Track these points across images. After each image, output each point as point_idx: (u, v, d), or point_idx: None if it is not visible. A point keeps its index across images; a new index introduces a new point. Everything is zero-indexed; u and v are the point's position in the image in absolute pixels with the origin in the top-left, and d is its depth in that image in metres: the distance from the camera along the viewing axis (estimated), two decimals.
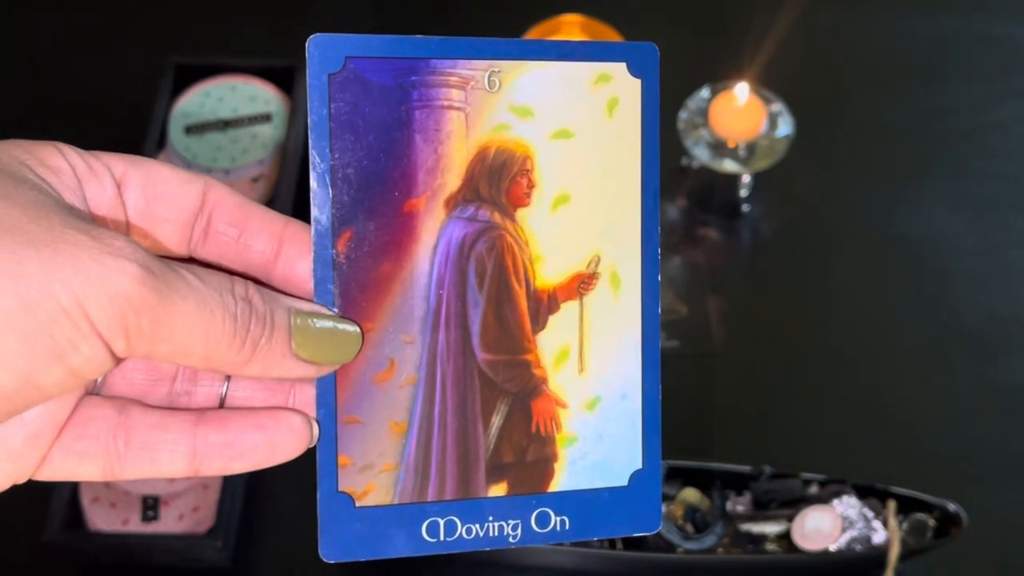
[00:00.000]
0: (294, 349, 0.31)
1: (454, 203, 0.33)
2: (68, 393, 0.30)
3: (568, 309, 0.33)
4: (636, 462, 0.34)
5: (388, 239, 0.32)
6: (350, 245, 0.32)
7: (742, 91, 0.89)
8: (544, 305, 0.33)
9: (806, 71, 1.02)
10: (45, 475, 0.31)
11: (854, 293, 0.89)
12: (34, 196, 0.28)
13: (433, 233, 0.32)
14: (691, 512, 0.74)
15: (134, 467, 0.31)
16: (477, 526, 0.34)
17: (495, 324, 0.33)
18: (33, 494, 0.76)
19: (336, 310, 0.32)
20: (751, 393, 0.84)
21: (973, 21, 1.06)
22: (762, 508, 0.73)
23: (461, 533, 0.34)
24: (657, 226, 0.35)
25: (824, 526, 0.71)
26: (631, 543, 0.73)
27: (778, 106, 0.91)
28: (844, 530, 0.71)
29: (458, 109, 0.32)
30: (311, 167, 0.32)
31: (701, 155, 0.90)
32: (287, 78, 0.94)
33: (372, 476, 0.33)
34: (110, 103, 1.01)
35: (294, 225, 0.32)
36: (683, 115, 0.91)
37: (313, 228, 0.32)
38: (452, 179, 0.32)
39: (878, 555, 0.71)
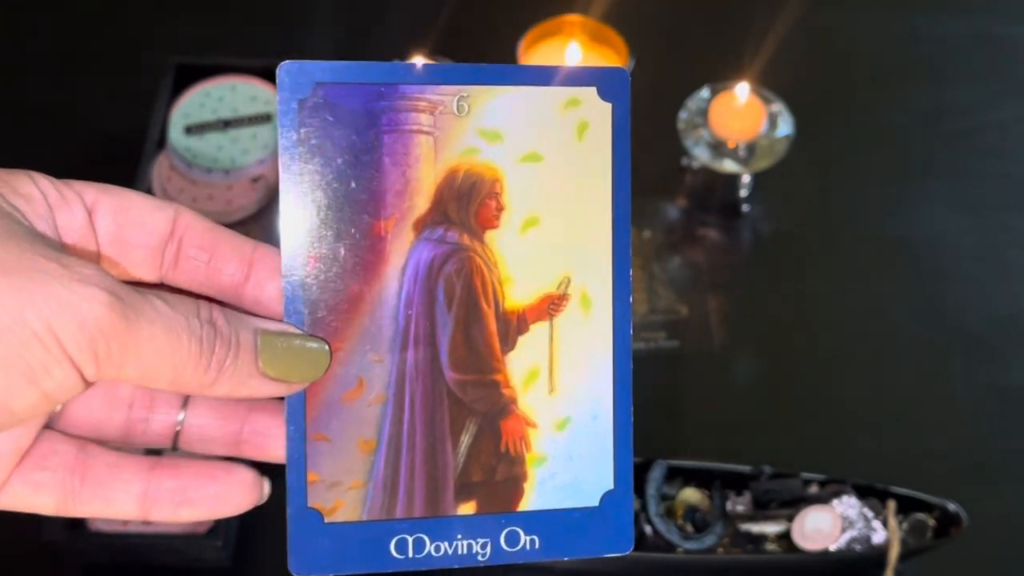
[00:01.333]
0: (261, 367, 0.31)
1: (423, 225, 0.33)
2: (36, 418, 0.30)
3: (538, 330, 0.34)
4: (607, 483, 0.34)
5: (357, 260, 0.33)
6: (319, 266, 0.33)
7: (742, 91, 0.89)
8: (513, 326, 0.34)
9: (806, 71, 1.02)
10: (1, 502, 0.31)
11: (854, 293, 0.89)
12: (5, 224, 0.28)
13: (402, 254, 0.33)
14: (691, 512, 0.74)
15: (88, 505, 0.32)
16: (446, 544, 0.34)
17: (464, 344, 0.33)
18: None
19: (305, 329, 0.32)
20: (751, 393, 0.85)
21: (973, 21, 1.06)
22: (762, 508, 0.73)
23: (429, 550, 0.34)
24: (628, 248, 0.34)
25: (824, 526, 0.71)
26: None
27: (778, 106, 0.91)
28: (844, 530, 0.71)
29: (427, 133, 0.33)
30: (281, 190, 0.33)
31: (701, 155, 0.90)
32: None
33: (341, 493, 0.34)
34: (111, 103, 1.01)
35: (264, 248, 0.33)
36: (683, 115, 0.92)
37: (282, 250, 0.33)
38: (421, 202, 0.33)
39: (878, 555, 0.71)
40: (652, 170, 0.96)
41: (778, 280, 0.91)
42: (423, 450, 0.33)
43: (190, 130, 0.91)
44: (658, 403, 0.84)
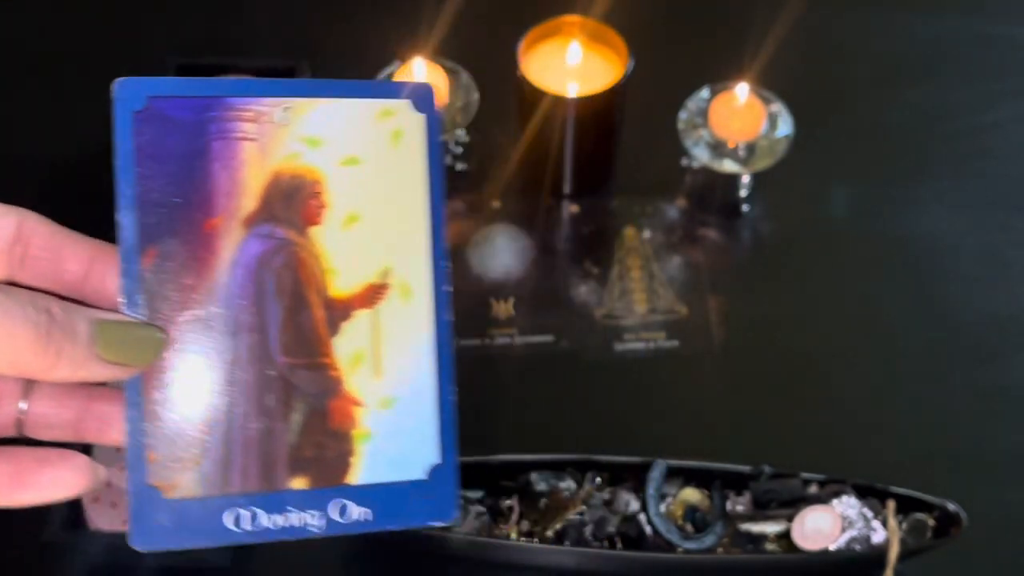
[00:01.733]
0: (97, 352, 0.33)
1: (252, 223, 0.36)
2: None
3: (361, 317, 0.37)
4: (434, 457, 0.38)
5: (190, 255, 0.36)
6: (155, 261, 0.36)
7: (742, 92, 0.89)
8: (338, 313, 0.36)
9: (806, 72, 1.02)
10: None
11: (853, 293, 0.90)
12: None
13: (232, 249, 0.36)
14: (691, 512, 0.74)
15: None
16: (280, 517, 0.36)
17: (292, 331, 0.36)
18: None
19: (143, 318, 0.35)
20: (751, 393, 0.85)
21: (972, 21, 1.06)
22: (762, 508, 0.74)
23: (265, 523, 0.36)
24: (444, 242, 0.37)
25: (824, 526, 0.71)
26: (631, 543, 0.73)
27: (777, 106, 0.91)
28: (844, 530, 0.71)
29: (252, 140, 0.36)
30: (117, 193, 0.36)
31: (701, 155, 0.91)
32: (288, 78, 0.94)
33: (179, 471, 0.36)
34: (111, 103, 1.01)
35: (104, 246, 0.36)
36: (683, 115, 0.92)
37: (120, 247, 0.36)
38: (249, 201, 0.36)
39: (878, 555, 0.71)
40: (652, 170, 0.96)
41: (778, 280, 0.91)
42: (256, 429, 0.36)
43: None
44: (658, 403, 0.84)
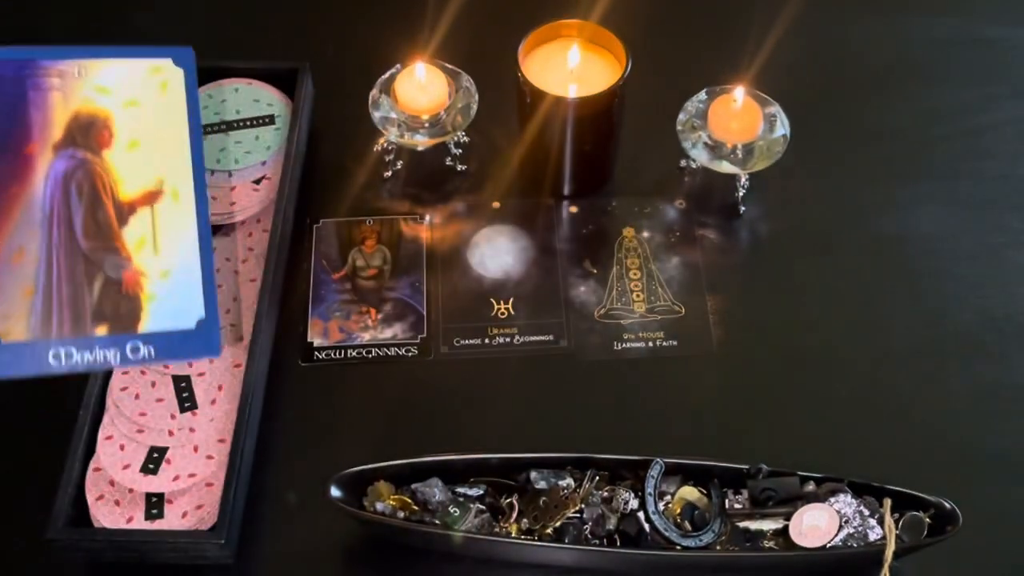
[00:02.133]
0: None
1: (59, 148, 0.48)
2: None
3: (144, 213, 0.50)
4: (200, 312, 0.51)
5: (14, 172, 0.48)
6: None
7: (739, 94, 0.90)
8: (126, 210, 0.50)
9: (803, 74, 1.03)
10: None
11: (851, 293, 0.90)
12: None
13: (45, 167, 0.48)
14: (689, 509, 0.74)
15: None
16: (88, 354, 0.49)
17: (92, 223, 0.49)
18: (38, 492, 0.77)
19: None
20: (749, 392, 0.85)
21: (968, 23, 1.07)
22: (759, 506, 0.74)
23: (76, 358, 0.49)
24: (202, 161, 0.52)
25: (821, 523, 0.72)
26: (630, 541, 0.73)
27: (775, 108, 0.92)
28: (840, 527, 0.72)
29: (58, 90, 0.48)
30: None
31: (699, 156, 0.91)
32: (290, 81, 0.95)
33: (12, 323, 0.47)
34: None
35: None
36: (682, 117, 0.92)
37: None
38: (57, 132, 0.49)
39: (874, 552, 0.71)
40: (651, 171, 0.97)
41: (775, 280, 0.91)
42: (68, 293, 0.48)
43: None
44: (657, 402, 0.85)
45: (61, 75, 0.49)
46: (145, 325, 0.51)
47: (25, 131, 0.49)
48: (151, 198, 0.51)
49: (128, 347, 0.51)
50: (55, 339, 0.49)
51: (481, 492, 0.76)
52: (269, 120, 0.93)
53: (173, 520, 0.76)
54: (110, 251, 0.50)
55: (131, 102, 0.51)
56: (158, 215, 0.51)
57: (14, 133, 0.48)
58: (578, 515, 0.74)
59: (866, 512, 0.73)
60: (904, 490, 0.74)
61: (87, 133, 0.50)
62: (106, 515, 0.76)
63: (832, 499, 0.73)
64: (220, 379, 0.82)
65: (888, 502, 0.73)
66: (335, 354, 0.87)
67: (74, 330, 0.49)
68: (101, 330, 0.50)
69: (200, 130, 0.52)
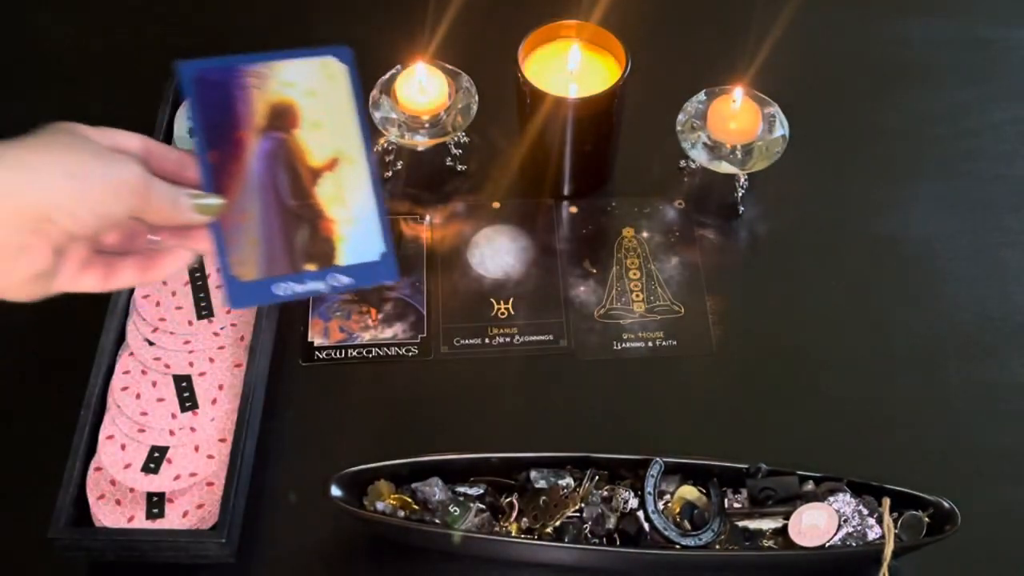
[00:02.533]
0: (192, 208, 0.58)
1: (262, 131, 0.62)
2: (105, 230, 0.56)
3: (329, 176, 0.63)
4: (381, 247, 0.63)
5: (234, 153, 0.62)
6: (217, 157, 0.61)
7: (738, 94, 0.90)
8: (316, 175, 0.63)
9: (801, 75, 1.03)
10: (66, 287, 0.57)
11: (849, 293, 0.90)
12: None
13: (254, 147, 0.62)
14: (689, 509, 0.74)
15: (112, 281, 0.59)
16: (302, 286, 0.62)
17: (292, 186, 0.62)
18: (39, 492, 0.77)
19: (212, 190, 0.60)
20: (748, 391, 0.85)
21: (965, 24, 1.07)
22: (759, 505, 0.74)
23: (296, 290, 0.62)
24: (368, 132, 0.64)
25: (820, 523, 0.72)
26: (629, 540, 0.73)
27: (773, 109, 0.92)
28: (840, 527, 0.72)
29: (255, 87, 0.63)
30: (191, 119, 0.61)
31: (699, 157, 0.91)
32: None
33: (245, 266, 0.61)
34: (115, 105, 1.01)
35: (187, 155, 0.60)
36: (681, 118, 0.93)
37: (197, 151, 0.61)
38: (259, 120, 0.62)
39: (873, 551, 0.72)
40: (650, 172, 0.97)
41: (774, 280, 0.91)
42: (282, 241, 0.62)
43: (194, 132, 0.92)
44: (656, 402, 0.85)
45: (256, 75, 0.63)
46: (341, 260, 0.63)
47: (236, 121, 0.62)
48: (333, 164, 0.64)
49: (329, 277, 0.63)
50: (277, 276, 0.62)
51: (481, 491, 0.76)
52: None
53: (174, 519, 0.76)
54: (309, 207, 0.62)
55: (309, 92, 0.64)
56: (341, 177, 0.63)
57: (229, 123, 0.62)
58: (578, 514, 0.74)
59: (865, 511, 0.73)
60: (903, 489, 0.74)
61: (280, 118, 0.63)
62: (107, 514, 0.76)
63: (831, 498, 0.73)
64: (221, 379, 0.82)
65: (887, 501, 0.73)
66: (336, 354, 0.87)
67: (290, 267, 0.62)
68: (310, 266, 0.62)
69: (364, 109, 0.64)
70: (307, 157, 0.63)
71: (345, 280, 0.63)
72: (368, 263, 0.63)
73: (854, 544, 0.72)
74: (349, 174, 0.63)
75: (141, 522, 0.76)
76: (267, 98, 0.63)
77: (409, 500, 0.75)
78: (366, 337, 0.87)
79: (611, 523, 0.74)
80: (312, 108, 0.63)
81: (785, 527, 0.73)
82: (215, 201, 0.59)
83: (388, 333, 0.88)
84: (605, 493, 0.75)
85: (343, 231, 0.63)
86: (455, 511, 0.73)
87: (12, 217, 0.50)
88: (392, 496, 0.75)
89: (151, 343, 0.83)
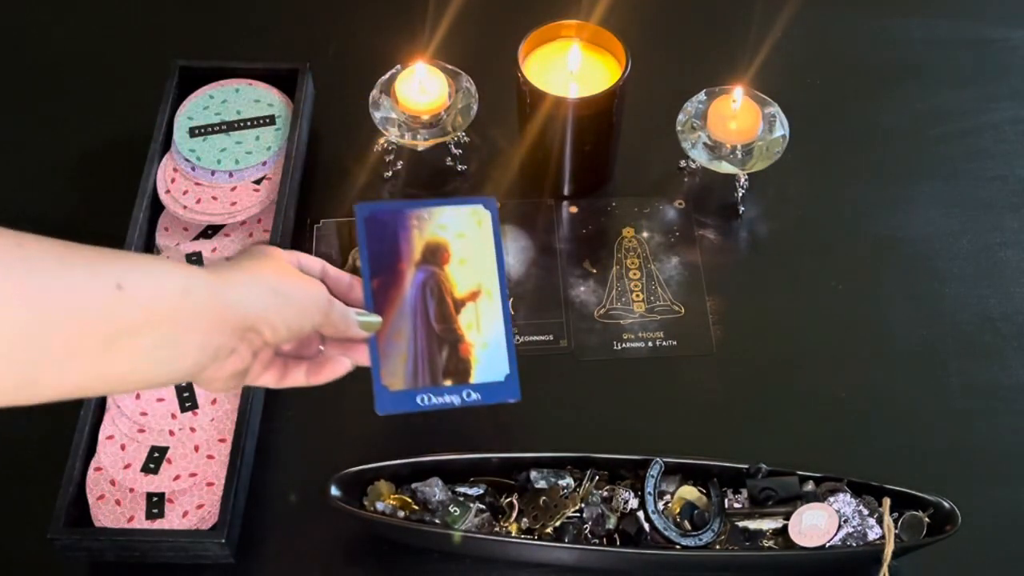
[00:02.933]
0: (358, 324, 0.68)
1: (418, 265, 0.73)
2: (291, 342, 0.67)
3: (470, 306, 0.73)
4: (506, 369, 0.72)
5: (394, 282, 0.72)
6: (378, 283, 0.71)
7: (738, 94, 0.90)
8: (459, 305, 0.73)
9: (801, 75, 1.03)
10: (249, 381, 0.64)
11: (849, 293, 0.90)
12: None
13: (411, 276, 0.72)
14: (689, 509, 0.74)
15: (285, 381, 0.66)
16: (440, 398, 0.71)
17: (439, 313, 0.72)
18: (39, 491, 0.77)
19: (371, 310, 0.70)
20: (748, 392, 0.85)
21: (968, 24, 1.07)
22: (759, 505, 0.74)
23: (434, 401, 0.71)
24: (504, 271, 0.74)
25: (820, 523, 0.72)
26: (629, 540, 0.73)
27: (773, 109, 0.92)
28: (840, 527, 0.72)
29: (416, 228, 0.73)
30: (359, 251, 0.72)
31: (699, 157, 0.91)
32: (290, 81, 0.95)
33: (394, 378, 0.70)
34: (116, 105, 1.02)
35: (356, 280, 0.70)
36: (681, 118, 0.93)
37: (362, 278, 0.71)
38: (416, 255, 0.73)
39: (873, 552, 0.72)
40: (650, 172, 0.97)
41: (774, 280, 0.91)
42: (427, 358, 0.71)
43: (194, 132, 0.92)
44: (656, 402, 0.85)
45: (418, 219, 0.74)
46: (473, 378, 0.72)
47: (398, 254, 0.73)
48: (474, 296, 0.74)
49: (463, 392, 0.71)
50: (420, 387, 0.71)
51: (481, 492, 0.76)
52: (270, 120, 0.93)
53: (174, 519, 0.76)
54: (451, 332, 0.72)
55: (460, 234, 0.74)
56: (479, 307, 0.73)
57: (393, 257, 0.73)
58: (578, 514, 0.74)
59: (865, 512, 0.73)
60: (903, 489, 0.74)
61: (434, 255, 0.74)
62: (107, 514, 0.76)
63: (831, 498, 0.73)
64: None
65: (887, 501, 0.73)
66: None
67: (432, 381, 0.71)
68: (448, 381, 0.71)
69: (502, 250, 0.75)
70: (453, 289, 0.73)
71: (475, 396, 0.72)
72: (495, 382, 0.72)
73: (854, 544, 0.72)
74: (486, 305, 0.74)
75: (141, 522, 0.76)
76: (425, 237, 0.74)
77: (409, 500, 0.75)
78: None
79: (611, 523, 0.74)
80: (461, 248, 0.74)
81: (785, 527, 0.73)
82: (375, 319, 0.69)
83: None
84: (605, 493, 0.75)
85: (477, 353, 0.72)
86: (455, 511, 0.73)
87: (230, 326, 0.58)
88: (392, 496, 0.75)
89: None
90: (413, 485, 0.75)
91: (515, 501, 0.75)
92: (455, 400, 0.71)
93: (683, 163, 0.96)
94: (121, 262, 0.54)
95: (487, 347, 0.73)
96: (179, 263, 0.59)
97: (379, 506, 0.74)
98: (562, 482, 0.75)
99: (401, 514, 0.74)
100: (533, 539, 0.73)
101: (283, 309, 0.62)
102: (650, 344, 0.88)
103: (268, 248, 0.65)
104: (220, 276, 0.59)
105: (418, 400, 0.70)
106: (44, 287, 0.52)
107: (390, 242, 0.73)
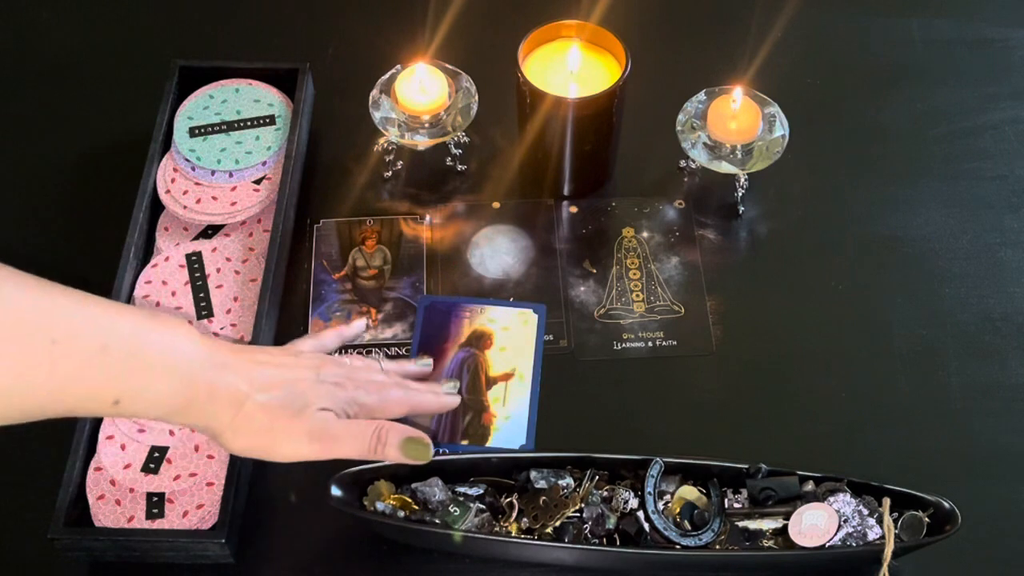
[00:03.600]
0: (403, 455, 0.71)
1: (462, 346, 0.85)
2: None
3: (501, 384, 0.84)
4: (523, 440, 0.82)
5: (437, 356, 0.84)
6: (425, 360, 0.81)
7: (738, 94, 0.90)
8: (492, 382, 0.84)
9: (801, 75, 1.03)
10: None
11: (850, 293, 0.90)
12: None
13: (453, 353, 0.85)
14: (689, 509, 0.74)
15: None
16: (457, 454, 0.78)
17: (471, 386, 0.84)
18: (40, 491, 0.77)
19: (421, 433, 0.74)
20: (748, 391, 0.85)
21: (968, 23, 1.07)
22: (759, 505, 0.74)
23: (450, 455, 0.78)
24: (540, 361, 0.85)
25: (820, 523, 0.72)
26: (629, 540, 0.73)
27: (773, 109, 0.92)
28: (840, 527, 0.72)
29: (467, 318, 0.86)
30: (414, 339, 0.86)
31: (699, 157, 0.91)
32: (290, 81, 0.95)
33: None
34: (116, 105, 1.02)
35: (411, 362, 0.80)
36: (681, 118, 0.93)
37: (412, 355, 0.85)
38: (462, 338, 0.86)
39: (873, 552, 0.72)
40: (650, 172, 0.97)
41: (774, 280, 0.91)
42: (451, 419, 0.82)
43: (194, 132, 0.92)
44: (656, 402, 0.85)
45: (470, 312, 0.87)
46: (489, 442, 0.82)
47: (447, 338, 0.86)
48: (507, 377, 0.85)
49: (477, 452, 0.80)
50: (441, 443, 0.81)
51: (481, 491, 0.76)
52: (270, 120, 0.93)
53: (174, 519, 0.76)
54: (479, 403, 0.83)
55: (505, 328, 0.86)
56: (509, 387, 0.84)
57: (441, 338, 0.86)
58: (578, 514, 0.74)
59: (865, 511, 0.73)
60: (903, 489, 0.74)
61: (479, 340, 0.86)
62: (107, 514, 0.76)
63: (831, 498, 0.73)
64: None
65: (887, 501, 0.73)
66: (336, 354, 0.87)
67: (450, 440, 0.82)
68: (465, 441, 0.82)
69: (542, 345, 0.86)
70: (488, 368, 0.85)
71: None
72: (509, 449, 0.81)
73: (854, 544, 0.72)
74: (516, 386, 0.84)
75: (141, 522, 0.76)
76: (473, 326, 0.86)
77: (409, 500, 0.75)
78: (366, 337, 0.87)
79: (611, 523, 0.74)
80: (504, 338, 0.86)
81: (785, 527, 0.73)
82: (425, 445, 0.71)
83: (388, 333, 0.88)
84: (605, 493, 0.75)
85: (498, 423, 0.82)
86: (455, 511, 0.73)
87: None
88: (392, 496, 0.75)
89: None
90: (413, 485, 0.75)
91: (515, 501, 0.75)
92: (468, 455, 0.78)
93: (683, 163, 0.96)
94: (121, 382, 0.60)
95: (509, 419, 0.82)
96: (190, 372, 0.64)
97: (379, 506, 0.74)
98: (562, 482, 0.75)
99: (401, 514, 0.74)
100: (533, 539, 0.73)
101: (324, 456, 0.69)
102: (650, 344, 0.88)
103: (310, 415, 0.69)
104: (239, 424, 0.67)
105: (438, 454, 0.76)
106: (41, 411, 0.59)
107: (442, 327, 0.86)
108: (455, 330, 0.86)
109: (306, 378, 0.69)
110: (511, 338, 0.86)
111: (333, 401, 0.69)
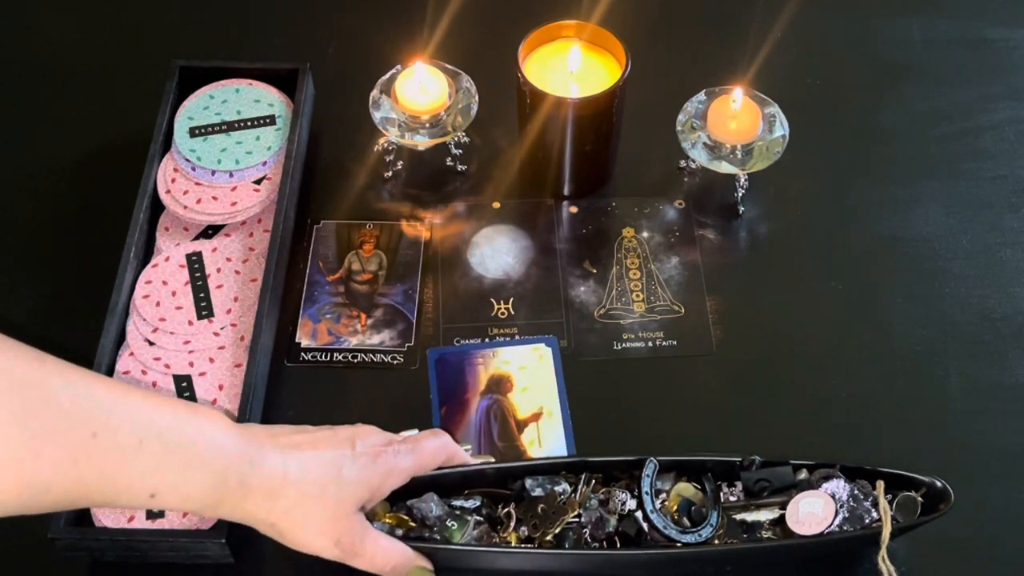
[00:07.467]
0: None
1: (483, 393, 0.83)
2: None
3: (532, 426, 0.82)
4: None
5: (461, 409, 0.83)
6: (446, 411, 0.82)
7: (738, 94, 0.90)
8: (523, 425, 0.83)
9: (801, 74, 1.03)
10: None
11: (850, 293, 0.90)
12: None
13: (476, 403, 0.83)
14: (686, 505, 0.74)
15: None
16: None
17: (503, 433, 0.82)
18: None
19: (442, 427, 0.80)
20: (748, 391, 0.85)
21: (968, 23, 1.07)
22: (755, 497, 0.74)
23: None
24: (566, 394, 0.83)
25: (817, 510, 0.72)
26: (630, 541, 0.73)
27: (773, 109, 0.92)
28: (836, 512, 0.72)
29: (482, 364, 0.85)
30: (431, 391, 0.84)
31: (699, 157, 0.91)
32: (290, 81, 0.95)
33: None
34: (116, 106, 1.02)
35: (438, 434, 0.76)
36: (681, 118, 0.93)
37: (434, 404, 0.83)
38: (482, 386, 0.84)
39: (871, 534, 0.72)
40: (650, 172, 0.97)
41: (774, 280, 0.91)
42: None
43: (194, 132, 0.92)
44: (655, 401, 0.85)
45: (483, 357, 0.85)
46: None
47: (466, 387, 0.84)
48: (536, 417, 0.83)
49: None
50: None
51: (477, 503, 0.75)
52: (270, 120, 0.93)
53: (174, 519, 0.76)
54: (514, 448, 0.81)
55: (522, 367, 0.85)
56: (540, 427, 0.82)
57: (461, 388, 0.84)
58: (576, 519, 0.74)
59: (860, 495, 0.73)
60: (895, 471, 0.74)
61: (498, 385, 0.84)
62: (107, 514, 0.76)
63: (826, 485, 0.73)
64: (221, 378, 0.82)
65: (882, 484, 0.73)
66: (321, 356, 0.86)
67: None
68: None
69: (564, 380, 0.84)
70: (516, 412, 0.83)
71: None
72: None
73: (852, 529, 0.72)
74: (548, 424, 0.82)
75: (141, 522, 0.76)
76: (490, 371, 0.84)
77: (406, 518, 0.73)
78: (353, 342, 0.87)
79: (611, 526, 0.73)
80: (523, 378, 0.84)
81: (783, 517, 0.73)
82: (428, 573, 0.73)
83: (376, 339, 0.87)
84: (602, 496, 0.75)
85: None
86: (453, 525, 0.73)
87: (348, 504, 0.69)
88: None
89: (151, 343, 0.83)
90: (408, 502, 0.74)
91: (512, 511, 0.74)
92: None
93: (683, 163, 0.96)
94: (157, 477, 0.61)
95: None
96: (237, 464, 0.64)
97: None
98: (558, 488, 0.74)
99: (399, 533, 0.72)
100: (539, 548, 0.72)
101: None
102: (650, 344, 0.88)
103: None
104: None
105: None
106: (77, 502, 0.60)
107: (458, 377, 0.84)
108: (472, 379, 0.83)
109: (343, 453, 0.68)
110: (530, 376, 0.84)
111: (368, 485, 0.69)
